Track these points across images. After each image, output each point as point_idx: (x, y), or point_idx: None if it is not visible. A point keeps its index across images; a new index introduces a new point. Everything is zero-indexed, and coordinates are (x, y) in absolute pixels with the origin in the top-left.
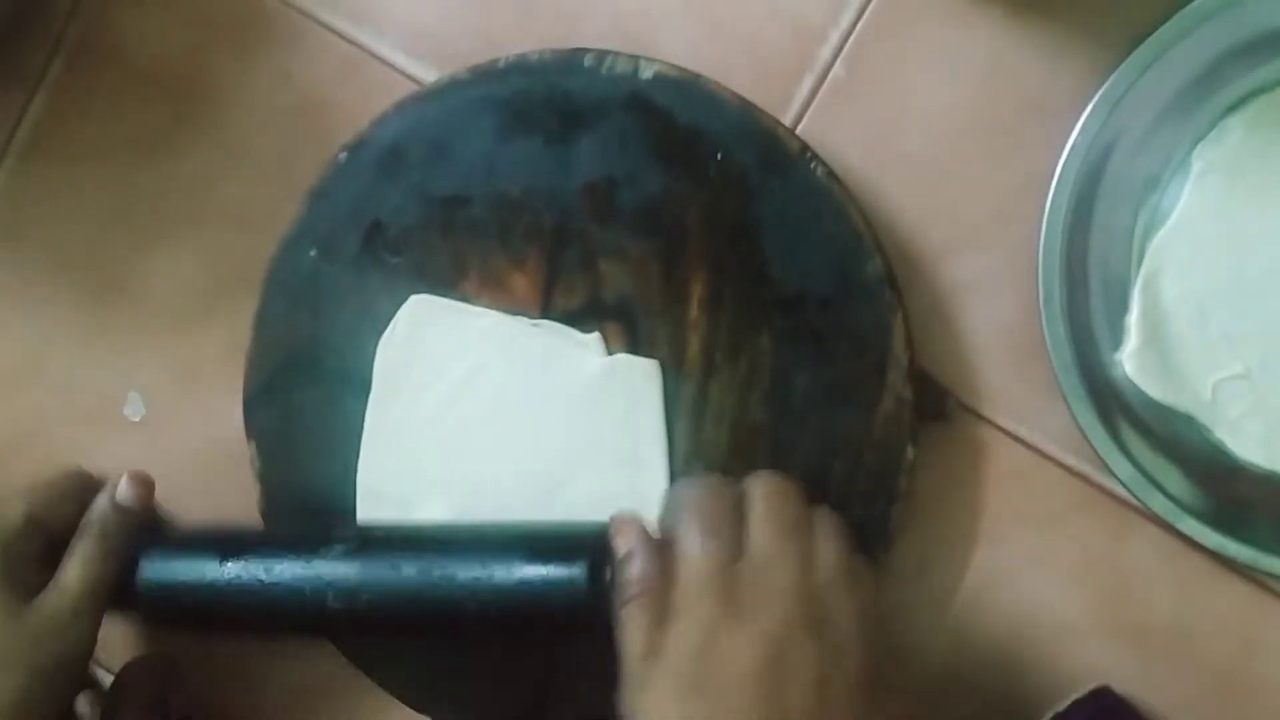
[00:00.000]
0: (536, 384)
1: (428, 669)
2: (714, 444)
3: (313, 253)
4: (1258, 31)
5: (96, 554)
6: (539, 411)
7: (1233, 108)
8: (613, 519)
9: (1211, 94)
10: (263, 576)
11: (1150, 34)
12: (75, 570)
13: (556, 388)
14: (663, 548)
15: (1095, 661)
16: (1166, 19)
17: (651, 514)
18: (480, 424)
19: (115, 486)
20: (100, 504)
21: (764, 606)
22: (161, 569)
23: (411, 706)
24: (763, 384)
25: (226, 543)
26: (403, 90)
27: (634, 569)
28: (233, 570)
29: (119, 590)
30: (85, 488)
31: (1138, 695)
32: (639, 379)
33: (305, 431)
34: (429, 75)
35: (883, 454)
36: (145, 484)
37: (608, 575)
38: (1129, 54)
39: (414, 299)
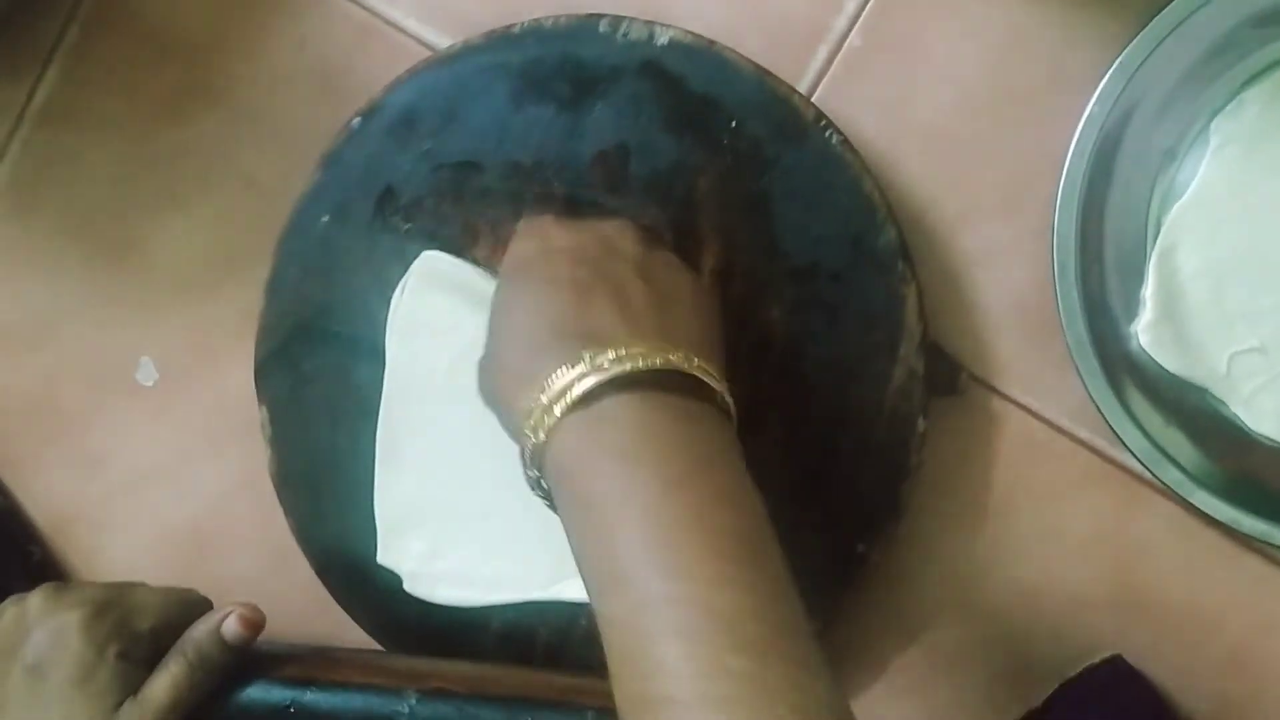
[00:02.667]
0: None
1: (438, 632)
2: None
3: (325, 219)
4: (1276, 2)
5: (186, 680)
6: None
7: (1250, 80)
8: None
9: (1229, 66)
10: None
11: (1167, 5)
12: (163, 691)
13: None
14: None
15: (1106, 634)
16: None
17: None
18: None
19: (224, 616)
20: (202, 630)
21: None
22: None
23: None
24: (774, 355)
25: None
26: (416, 56)
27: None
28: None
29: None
30: (200, 611)
31: (1149, 668)
32: None
33: (316, 397)
34: (442, 41)
35: (894, 426)
36: (254, 626)
37: None
38: (1146, 25)
39: (425, 255)
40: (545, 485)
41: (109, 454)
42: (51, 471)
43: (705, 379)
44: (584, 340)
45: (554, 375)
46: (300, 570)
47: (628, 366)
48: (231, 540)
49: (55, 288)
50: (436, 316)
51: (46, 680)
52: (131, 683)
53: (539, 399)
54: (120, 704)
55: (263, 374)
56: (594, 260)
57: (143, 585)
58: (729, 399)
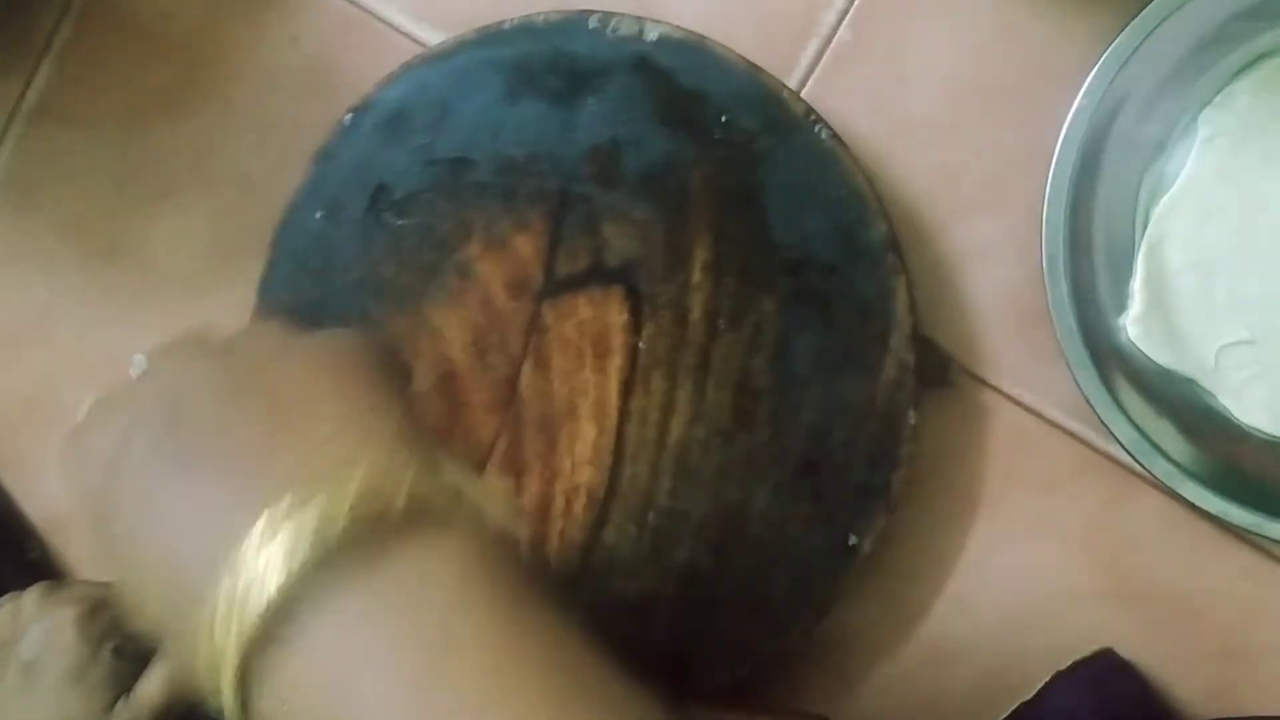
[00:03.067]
0: None
1: None
2: (716, 408)
3: (318, 215)
4: None
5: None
6: None
7: (1240, 72)
8: None
9: (1218, 58)
10: None
11: None
12: (157, 687)
13: None
14: None
15: (1097, 627)
16: None
17: None
18: None
19: None
20: None
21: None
22: None
23: None
24: (766, 348)
25: None
26: (408, 52)
27: None
28: None
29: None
30: None
31: (1140, 660)
32: None
33: None
34: (434, 37)
35: (885, 419)
36: None
37: None
38: (1135, 17)
39: None
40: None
41: None
42: (47, 469)
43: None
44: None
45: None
46: None
47: (311, 547)
48: None
49: (49, 285)
50: None
51: (41, 677)
52: (125, 679)
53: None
54: (115, 700)
55: None
56: (169, 423)
57: None
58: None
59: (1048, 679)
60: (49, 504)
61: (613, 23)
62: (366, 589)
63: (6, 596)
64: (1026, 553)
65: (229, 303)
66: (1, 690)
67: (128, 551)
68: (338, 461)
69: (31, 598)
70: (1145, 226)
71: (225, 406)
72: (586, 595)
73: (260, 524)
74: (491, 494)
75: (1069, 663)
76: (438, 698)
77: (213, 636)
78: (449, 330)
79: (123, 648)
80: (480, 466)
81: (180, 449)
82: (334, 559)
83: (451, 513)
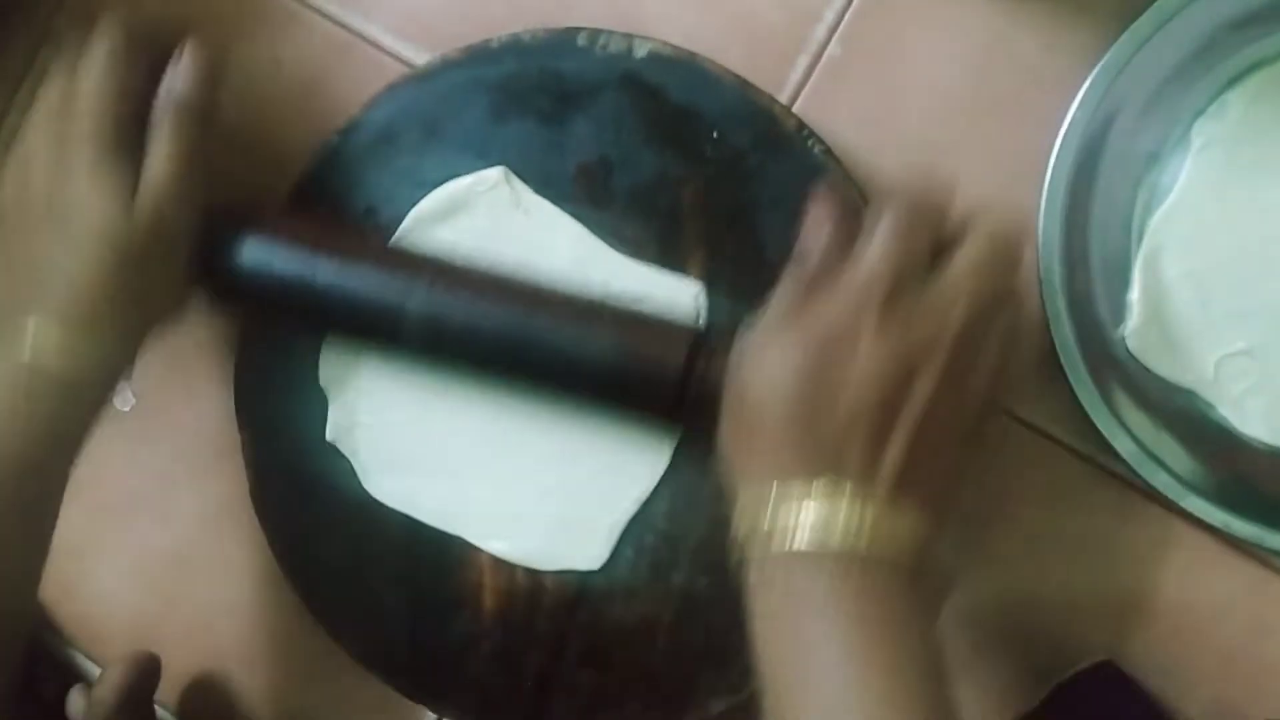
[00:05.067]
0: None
1: (426, 657)
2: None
3: None
4: (1256, 3)
5: (177, 142)
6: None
7: (1232, 82)
8: (815, 195)
9: (1211, 68)
10: (358, 286)
11: (1148, 7)
12: (163, 158)
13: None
14: (853, 235)
15: (1099, 641)
16: None
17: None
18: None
19: (175, 76)
20: (163, 100)
21: (921, 329)
22: (257, 258)
23: (409, 697)
24: None
25: (324, 245)
26: (395, 73)
27: (816, 240)
28: (327, 273)
29: (214, 271)
30: (158, 52)
31: (1142, 673)
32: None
33: (297, 420)
34: (420, 57)
35: None
36: (207, 65)
37: (700, 365)
38: (1126, 29)
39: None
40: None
41: (87, 480)
42: None
43: (927, 556)
44: (829, 472)
45: (784, 508)
46: (283, 594)
47: (851, 539)
48: (213, 564)
49: None
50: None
51: (65, 192)
52: (132, 144)
53: (761, 518)
54: (133, 188)
55: (243, 397)
56: (880, 384)
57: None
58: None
59: (1049, 690)
60: None
61: (601, 40)
62: (845, 574)
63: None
64: (1027, 567)
65: (213, 329)
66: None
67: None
68: (908, 508)
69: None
70: (1141, 238)
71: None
72: (586, 621)
73: (848, 500)
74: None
75: (1070, 673)
76: (862, 669)
77: (756, 517)
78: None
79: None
80: None
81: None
82: (854, 553)
83: (920, 565)
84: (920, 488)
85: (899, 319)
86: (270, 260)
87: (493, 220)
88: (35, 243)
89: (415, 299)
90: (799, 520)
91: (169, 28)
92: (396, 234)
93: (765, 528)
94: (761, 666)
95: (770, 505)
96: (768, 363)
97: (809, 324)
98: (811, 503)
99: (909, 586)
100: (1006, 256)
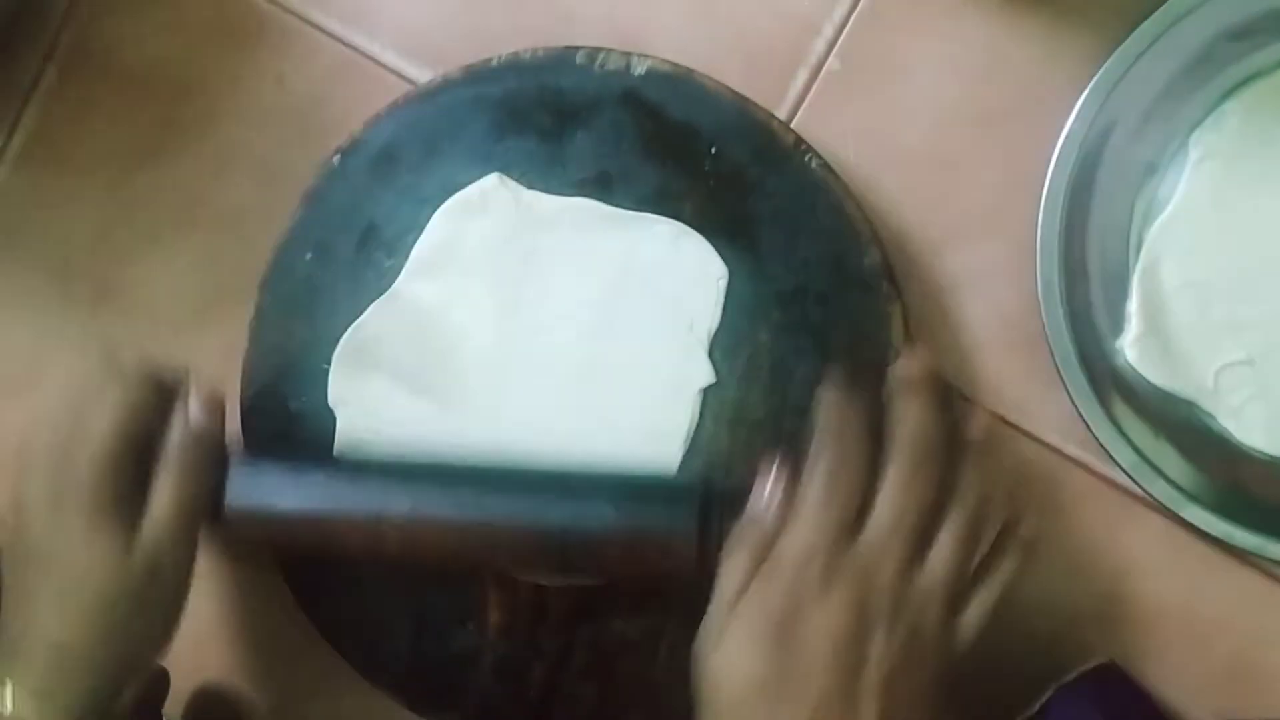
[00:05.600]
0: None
1: (430, 670)
2: (714, 439)
3: (308, 256)
4: (1253, 14)
5: (184, 485)
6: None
7: (1230, 93)
8: (764, 461)
9: (1208, 79)
10: (347, 504)
11: (1145, 19)
12: (167, 502)
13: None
14: (788, 491)
15: (1100, 651)
16: (1161, 3)
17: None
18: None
19: (187, 411)
20: (177, 435)
21: (862, 589)
22: (245, 495)
23: (412, 709)
24: (762, 379)
25: (305, 471)
26: (396, 90)
27: (762, 504)
28: (317, 494)
29: (210, 514)
30: (163, 393)
31: (1144, 682)
32: (703, 264)
33: (303, 436)
34: (422, 75)
35: (884, 448)
36: (217, 407)
37: (715, 524)
38: (1123, 40)
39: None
40: None
41: None
42: None
43: None
44: None
45: None
46: (289, 609)
47: None
48: (219, 581)
49: (37, 329)
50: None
51: (61, 533)
52: (126, 494)
53: None
54: (133, 533)
55: (249, 414)
56: (836, 674)
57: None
58: None
59: (1051, 691)
60: None
61: (600, 57)
62: None
63: None
64: (1029, 577)
65: (218, 346)
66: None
67: None
68: None
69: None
70: (1140, 249)
71: None
72: (590, 634)
73: None
74: None
75: (1072, 674)
76: None
77: None
78: None
79: (122, 477)
80: None
81: None
82: None
83: None
84: None
85: (841, 577)
86: (257, 497)
87: (501, 222)
88: (24, 599)
89: (396, 508)
90: None
91: (178, 368)
92: (413, 254)
93: None
94: None
95: None
96: (730, 655)
97: (758, 609)
98: None
99: None
100: (923, 474)
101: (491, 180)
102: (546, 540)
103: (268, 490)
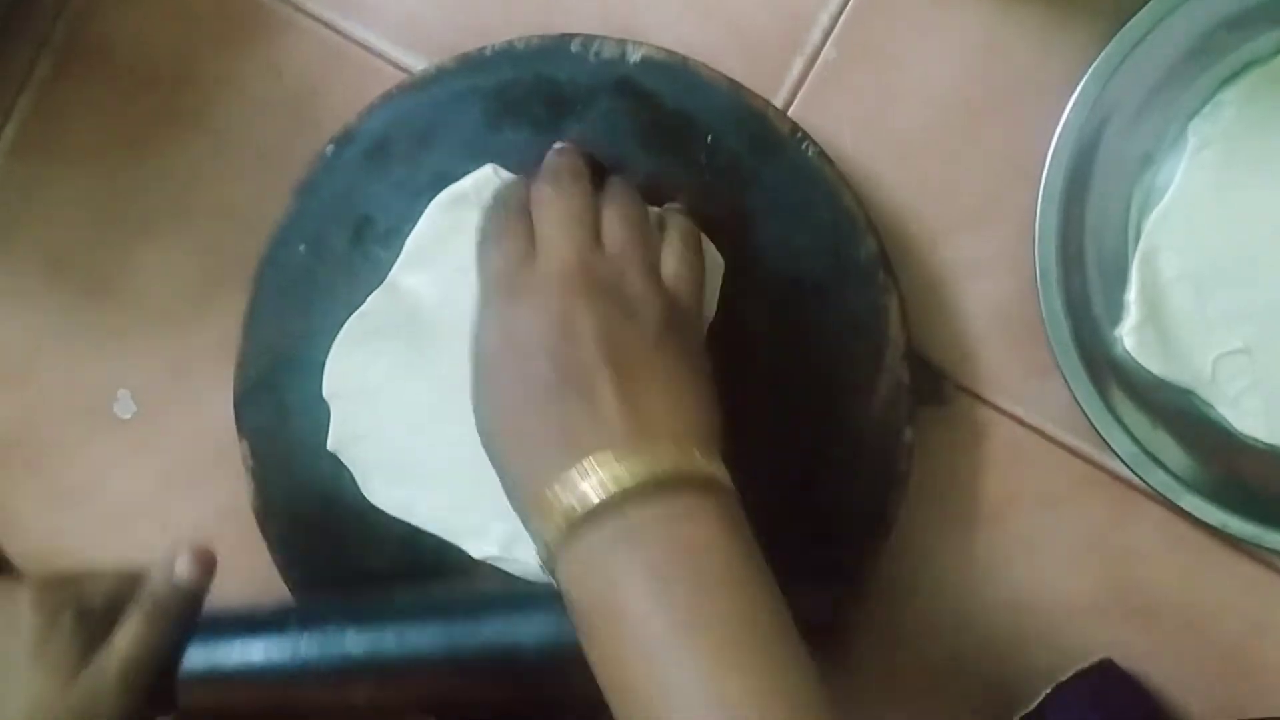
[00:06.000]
0: None
1: None
2: None
3: (302, 248)
4: (1249, 2)
5: (147, 632)
6: None
7: (1226, 82)
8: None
9: (1206, 67)
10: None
11: (1142, 7)
12: (125, 646)
13: None
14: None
15: (1098, 642)
16: None
17: None
18: None
19: (174, 561)
20: (158, 581)
21: (611, 289)
22: (196, 657)
23: None
24: (759, 369)
25: (250, 629)
26: (390, 79)
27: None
28: (260, 656)
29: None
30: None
31: (1142, 674)
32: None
33: (298, 429)
34: (417, 64)
35: (881, 438)
36: (207, 564)
37: None
38: (1120, 29)
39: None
40: (555, 577)
41: (88, 488)
42: (31, 507)
43: (693, 468)
44: (568, 451)
45: (551, 489)
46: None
47: (615, 486)
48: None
49: (31, 320)
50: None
51: (5, 656)
52: (89, 648)
53: (540, 508)
54: (79, 669)
55: (243, 406)
56: (553, 352)
57: (97, 569)
58: (725, 479)
59: (1048, 690)
60: (31, 540)
61: (595, 46)
62: (643, 518)
63: None
64: (1026, 568)
65: (213, 338)
66: None
67: (508, 418)
68: (651, 435)
69: None
70: (1137, 238)
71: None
72: None
73: (584, 463)
74: (716, 468)
75: (1070, 673)
76: (685, 615)
77: (544, 518)
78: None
79: (82, 619)
80: None
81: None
82: (629, 496)
83: (714, 487)
84: (657, 412)
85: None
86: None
87: None
88: None
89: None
90: (568, 496)
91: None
92: (407, 245)
93: (547, 514)
94: (600, 673)
95: (544, 499)
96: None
97: (539, 310)
98: (572, 483)
99: (706, 507)
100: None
101: (485, 172)
102: (519, 663)
103: (221, 650)
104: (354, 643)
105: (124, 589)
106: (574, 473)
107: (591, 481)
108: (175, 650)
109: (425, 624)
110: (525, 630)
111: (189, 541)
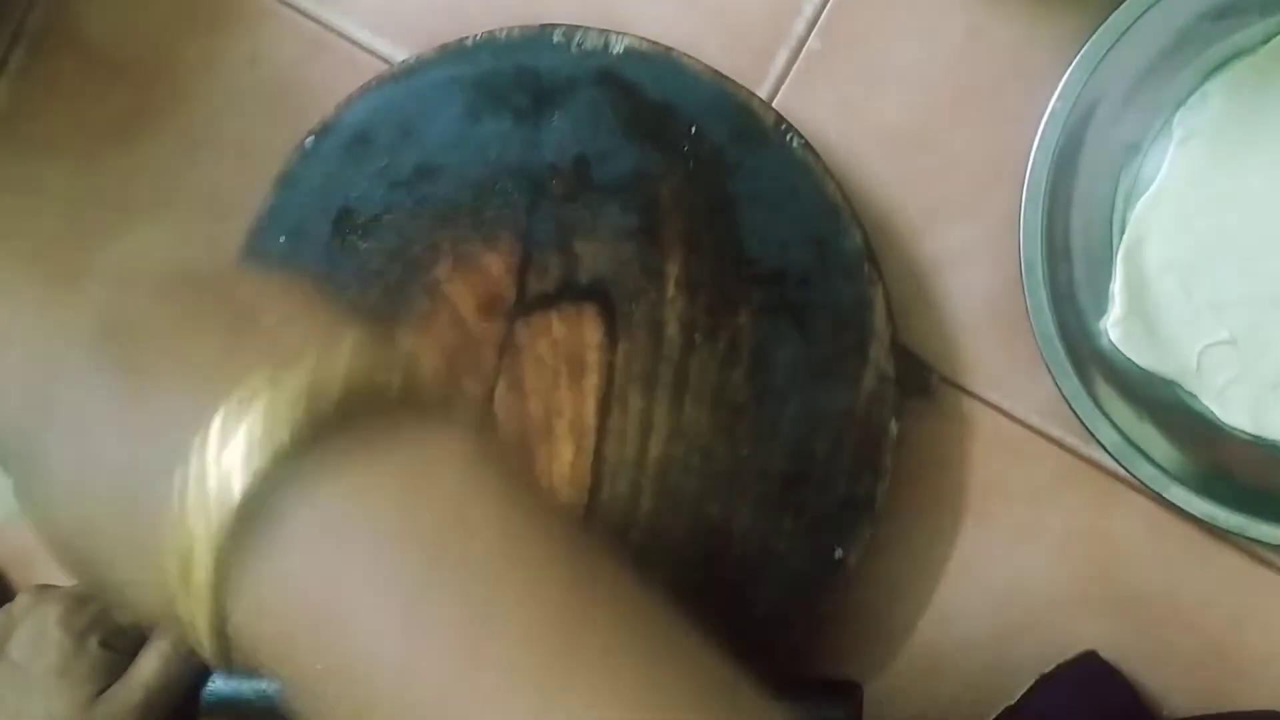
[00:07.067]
0: None
1: None
2: (695, 424)
3: (282, 240)
4: None
5: (174, 658)
6: None
7: (1212, 72)
8: None
9: (1191, 58)
10: None
11: None
12: (151, 672)
13: None
14: None
15: (1084, 634)
16: None
17: None
18: None
19: None
20: None
21: None
22: (219, 684)
23: None
24: (743, 362)
25: None
26: (370, 69)
27: None
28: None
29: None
30: None
31: (1127, 667)
32: None
33: None
34: (397, 54)
35: (866, 430)
36: None
37: None
38: (1106, 19)
39: None
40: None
41: None
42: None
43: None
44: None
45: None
46: None
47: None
48: None
49: (6, 315)
50: None
51: (29, 672)
52: (114, 670)
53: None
54: (103, 690)
55: None
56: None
57: None
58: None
59: (1033, 683)
60: (20, 545)
61: (578, 36)
62: (353, 478)
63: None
64: (1012, 561)
65: None
66: None
67: (68, 493)
68: (317, 339)
69: (20, 601)
70: (1123, 229)
71: (176, 307)
72: None
73: (218, 420)
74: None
75: (1053, 666)
76: (434, 611)
77: (178, 556)
78: (420, 353)
79: (109, 641)
80: None
81: (125, 357)
82: (317, 444)
83: (448, 405)
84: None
85: None
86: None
87: None
88: None
89: None
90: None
91: None
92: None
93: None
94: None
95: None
96: None
97: None
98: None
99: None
100: None
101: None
102: None
103: (242, 677)
104: None
105: None
106: (211, 441)
107: (240, 439)
108: (198, 677)
109: None
110: None
111: None
